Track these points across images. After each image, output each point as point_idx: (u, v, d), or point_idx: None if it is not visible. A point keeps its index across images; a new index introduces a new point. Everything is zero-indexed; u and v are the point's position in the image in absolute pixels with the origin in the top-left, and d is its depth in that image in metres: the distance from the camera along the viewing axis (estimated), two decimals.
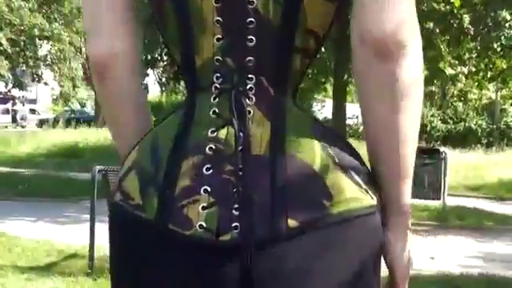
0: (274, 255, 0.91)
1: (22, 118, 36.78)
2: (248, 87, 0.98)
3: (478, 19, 11.44)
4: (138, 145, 1.05)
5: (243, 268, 0.90)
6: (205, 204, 0.93)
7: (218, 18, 0.98)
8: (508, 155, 18.50)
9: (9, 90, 22.47)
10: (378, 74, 0.94)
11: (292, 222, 0.91)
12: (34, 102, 44.94)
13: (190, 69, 1.02)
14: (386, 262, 1.07)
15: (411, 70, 0.94)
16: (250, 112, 0.97)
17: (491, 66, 12.52)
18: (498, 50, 11.92)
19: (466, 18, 11.33)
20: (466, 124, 25.59)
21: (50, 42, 20.68)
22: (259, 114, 0.97)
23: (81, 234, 6.21)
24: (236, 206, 0.92)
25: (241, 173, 0.92)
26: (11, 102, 35.28)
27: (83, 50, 21.55)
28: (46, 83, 22.72)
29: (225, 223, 0.91)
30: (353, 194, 0.95)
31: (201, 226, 0.92)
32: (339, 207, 0.93)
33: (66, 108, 32.86)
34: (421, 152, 10.81)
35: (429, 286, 5.47)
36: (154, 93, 34.67)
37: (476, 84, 13.77)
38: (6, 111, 37.68)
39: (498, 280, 5.78)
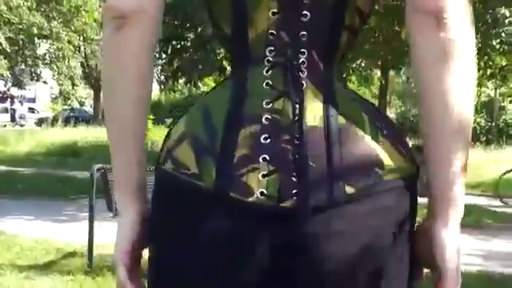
0: (332, 220, 0.95)
1: (21, 117, 36.74)
2: (301, 61, 1.02)
3: (477, 16, 11.43)
4: (185, 116, 1.06)
5: (302, 232, 0.93)
6: (265, 172, 0.95)
7: None
8: (507, 153, 18.51)
9: (8, 89, 22.45)
10: (431, 41, 0.98)
11: (349, 189, 0.96)
12: (32, 100, 44.91)
13: (242, 41, 1.04)
14: (433, 262, 1.05)
15: (461, 33, 0.98)
16: (303, 85, 1.01)
17: (490, 63, 12.51)
18: (497, 47, 11.92)
19: None
20: None
21: (49, 41, 20.66)
22: (312, 87, 1.01)
23: (80, 233, 6.20)
24: (294, 173, 0.95)
25: (297, 142, 0.96)
26: (10, 100, 35.23)
27: (82, 48, 21.54)
28: (44, 82, 22.72)
29: (285, 190, 0.95)
30: (400, 164, 1.02)
31: (262, 193, 0.95)
32: (389, 175, 0.99)
33: (65, 107, 32.84)
34: (420, 150, 10.79)
35: (427, 284, 5.47)
36: (153, 91, 34.66)
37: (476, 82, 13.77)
38: (5, 110, 37.64)
39: (497, 277, 5.79)
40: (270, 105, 0.99)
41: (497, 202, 11.32)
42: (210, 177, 0.96)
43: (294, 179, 0.95)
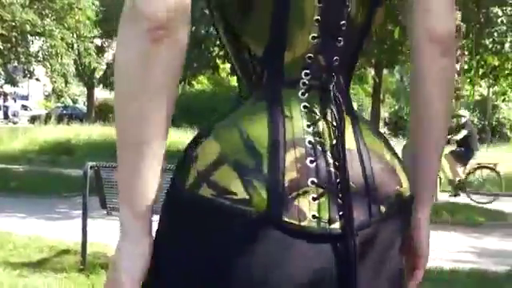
0: (372, 239, 1.00)
1: (14, 114, 36.61)
2: (332, 84, 1.05)
3: (470, 16, 11.46)
4: (214, 138, 1.01)
5: (351, 252, 0.97)
6: (314, 195, 0.97)
7: (318, 18, 1.04)
8: (500, 151, 18.58)
9: (1, 86, 22.37)
10: (440, 67, 1.13)
11: (383, 208, 1.02)
12: (25, 98, 44.74)
13: (276, 63, 1.04)
14: (411, 242, 1.19)
15: (454, 61, 1.16)
16: (341, 108, 1.04)
17: (483, 62, 12.55)
18: (490, 46, 11.96)
19: (458, 15, 11.35)
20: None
21: (42, 38, 20.58)
22: (342, 110, 1.04)
23: (73, 231, 6.21)
24: (340, 195, 0.98)
25: (338, 164, 0.99)
26: (3, 98, 35.11)
27: (75, 46, 21.46)
28: (37, 79, 22.63)
29: (334, 212, 0.97)
30: (408, 183, 1.09)
31: (314, 216, 0.96)
32: (406, 193, 1.08)
33: (58, 104, 32.74)
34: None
35: (420, 282, 5.49)
36: None
37: (468, 81, 13.80)
38: None
39: (488, 275, 5.82)
40: (311, 128, 1.01)
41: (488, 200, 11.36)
42: (261, 202, 0.94)
43: (339, 201, 0.98)
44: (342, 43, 1.06)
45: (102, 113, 28.42)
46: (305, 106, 1.03)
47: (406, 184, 1.08)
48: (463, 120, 10.82)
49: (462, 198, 11.07)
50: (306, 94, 1.04)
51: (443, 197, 10.51)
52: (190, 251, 0.97)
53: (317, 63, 1.05)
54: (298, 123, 1.01)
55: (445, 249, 7.31)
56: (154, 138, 0.95)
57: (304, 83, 1.04)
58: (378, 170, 1.03)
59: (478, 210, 9.82)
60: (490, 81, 15.58)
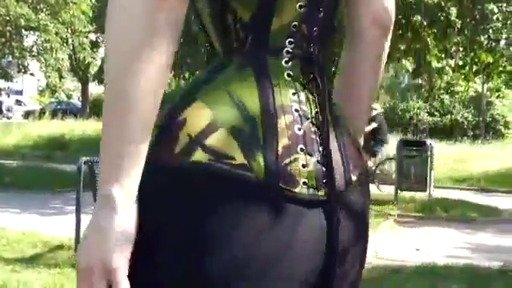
0: (347, 204, 1.06)
1: (8, 110, 36.51)
2: (313, 55, 1.08)
3: (465, 12, 11.48)
4: (204, 102, 0.98)
5: (335, 217, 1.01)
6: (304, 162, 0.99)
7: None
8: (494, 148, 18.65)
9: None
10: (381, 48, 1.22)
11: (353, 177, 1.07)
12: (19, 93, 44.64)
13: (262, 29, 1.04)
14: None
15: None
16: (316, 78, 1.07)
17: (476, 59, 12.56)
18: (485, 43, 11.97)
19: (453, 11, 11.37)
20: (453, 117, 25.72)
21: (36, 33, 20.52)
22: (320, 80, 1.07)
23: (66, 226, 6.19)
24: (324, 163, 1.02)
25: (320, 133, 1.03)
26: None
27: (70, 40, 21.40)
28: (32, 74, 22.57)
29: (319, 180, 1.00)
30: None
31: (304, 183, 0.99)
32: (366, 167, 1.16)
33: (52, 99, 32.69)
34: (407, 144, 10.86)
35: (414, 277, 5.51)
36: None
37: (463, 77, 13.83)
38: None
39: (482, 271, 5.84)
40: (296, 96, 1.03)
41: (482, 196, 11.41)
42: (259, 167, 0.95)
43: (323, 169, 1.01)
44: (321, 14, 1.08)
45: (97, 108, 28.37)
46: (288, 75, 1.04)
47: (364, 158, 1.15)
48: (374, 113, 10.75)
49: (456, 194, 11.11)
50: (290, 63, 1.05)
51: (437, 193, 10.53)
52: (182, 221, 0.94)
53: (301, 32, 1.06)
54: (284, 91, 1.02)
55: (439, 244, 7.34)
56: (153, 90, 0.92)
57: (288, 51, 1.05)
58: (348, 143, 1.08)
59: (472, 207, 9.84)
60: (484, 77, 15.60)
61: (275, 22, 1.04)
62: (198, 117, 0.97)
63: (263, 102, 1.00)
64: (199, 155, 0.94)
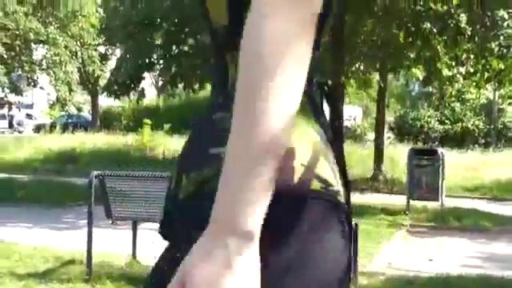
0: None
1: (19, 124, 36.74)
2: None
3: (475, 19, 11.44)
4: (303, 126, 0.97)
5: (352, 223, 1.02)
6: (341, 181, 1.01)
7: None
8: (506, 155, 18.51)
9: (5, 95, 22.43)
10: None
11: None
12: (30, 106, 44.86)
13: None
14: None
15: None
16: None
17: (488, 66, 12.48)
18: (496, 50, 11.90)
19: (463, 18, 11.33)
20: (464, 124, 25.60)
21: (46, 46, 20.64)
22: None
23: (78, 240, 6.18)
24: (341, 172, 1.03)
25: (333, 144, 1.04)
26: (7, 107, 35.20)
27: (79, 54, 21.52)
28: (41, 88, 22.68)
29: (342, 190, 1.01)
30: None
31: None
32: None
33: (63, 113, 32.83)
34: (418, 153, 10.80)
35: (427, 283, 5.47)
36: (151, 96, 34.63)
37: (474, 84, 13.74)
38: (3, 116, 37.63)
39: (495, 280, 5.78)
40: (325, 121, 1.06)
41: (495, 205, 11.32)
42: (343, 194, 1.00)
43: (342, 177, 1.02)
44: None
45: (107, 121, 28.47)
46: (316, 100, 1.06)
47: None
48: None
49: (469, 203, 11.03)
50: (314, 88, 1.06)
51: (449, 202, 10.46)
52: (319, 252, 0.92)
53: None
54: (322, 117, 1.05)
55: (452, 254, 7.28)
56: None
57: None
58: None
59: (485, 216, 9.76)
60: (496, 84, 15.51)
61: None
62: (301, 143, 0.95)
63: (322, 128, 1.02)
64: (316, 184, 0.94)
